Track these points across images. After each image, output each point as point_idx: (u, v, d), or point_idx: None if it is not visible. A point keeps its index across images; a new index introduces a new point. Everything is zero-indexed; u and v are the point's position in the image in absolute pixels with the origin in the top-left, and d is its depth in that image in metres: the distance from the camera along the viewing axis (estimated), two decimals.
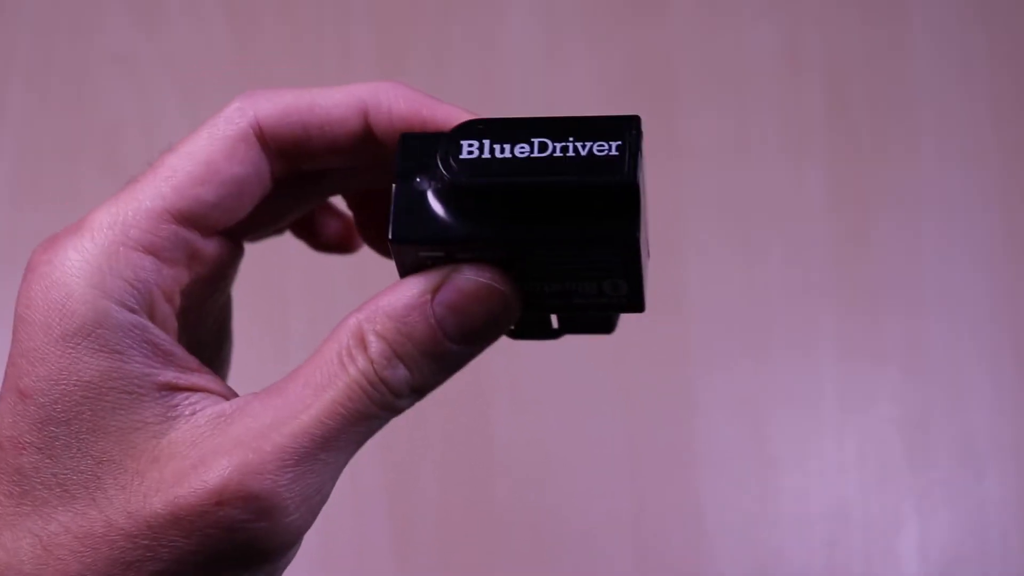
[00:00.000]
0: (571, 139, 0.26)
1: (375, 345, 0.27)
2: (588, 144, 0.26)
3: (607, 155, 0.26)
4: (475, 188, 0.26)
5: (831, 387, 0.67)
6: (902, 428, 0.66)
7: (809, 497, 0.65)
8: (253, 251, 0.33)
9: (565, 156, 0.26)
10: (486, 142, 0.26)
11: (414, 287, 0.28)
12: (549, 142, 0.26)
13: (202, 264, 0.29)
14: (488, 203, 0.27)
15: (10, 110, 0.72)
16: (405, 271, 0.29)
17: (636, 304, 0.29)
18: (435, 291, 0.27)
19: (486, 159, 0.26)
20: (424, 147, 0.27)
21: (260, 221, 0.31)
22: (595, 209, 0.26)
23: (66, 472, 0.26)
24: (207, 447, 0.26)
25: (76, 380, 0.26)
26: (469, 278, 0.28)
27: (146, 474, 0.26)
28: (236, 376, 0.34)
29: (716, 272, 0.68)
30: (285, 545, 0.27)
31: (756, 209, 0.70)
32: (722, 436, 0.66)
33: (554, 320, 0.33)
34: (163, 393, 0.27)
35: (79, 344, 0.26)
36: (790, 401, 0.67)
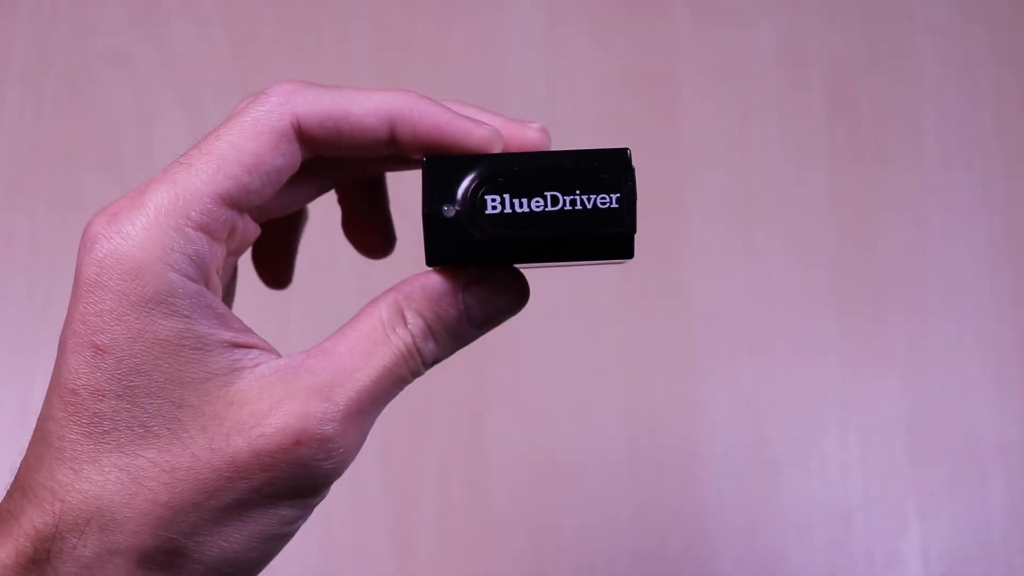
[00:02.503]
0: (578, 192, 0.32)
1: (413, 321, 0.33)
2: (592, 197, 0.32)
3: (609, 207, 0.32)
4: (503, 239, 0.32)
5: (833, 388, 0.67)
6: (905, 429, 0.66)
7: (811, 498, 0.65)
8: None
9: (574, 210, 0.32)
10: (506, 197, 0.32)
11: (447, 278, 0.33)
12: (560, 195, 0.32)
13: (236, 241, 0.33)
14: (512, 245, 0.33)
15: (8, 110, 0.72)
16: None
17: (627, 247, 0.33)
18: (465, 284, 0.33)
19: (508, 214, 0.32)
20: (447, 175, 0.32)
21: (280, 203, 0.36)
22: (600, 247, 0.33)
23: (147, 416, 0.30)
24: (278, 395, 0.31)
25: (153, 338, 0.30)
26: (493, 276, 0.34)
27: (224, 416, 0.30)
28: None
29: (718, 272, 0.68)
30: (333, 480, 0.32)
31: (758, 209, 0.70)
32: (723, 437, 0.66)
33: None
34: (226, 348, 0.31)
35: (154, 309, 0.30)
36: (792, 402, 0.67)
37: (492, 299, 0.33)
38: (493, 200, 0.32)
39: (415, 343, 0.32)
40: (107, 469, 0.30)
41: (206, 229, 0.31)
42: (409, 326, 0.32)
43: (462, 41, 0.72)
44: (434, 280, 0.33)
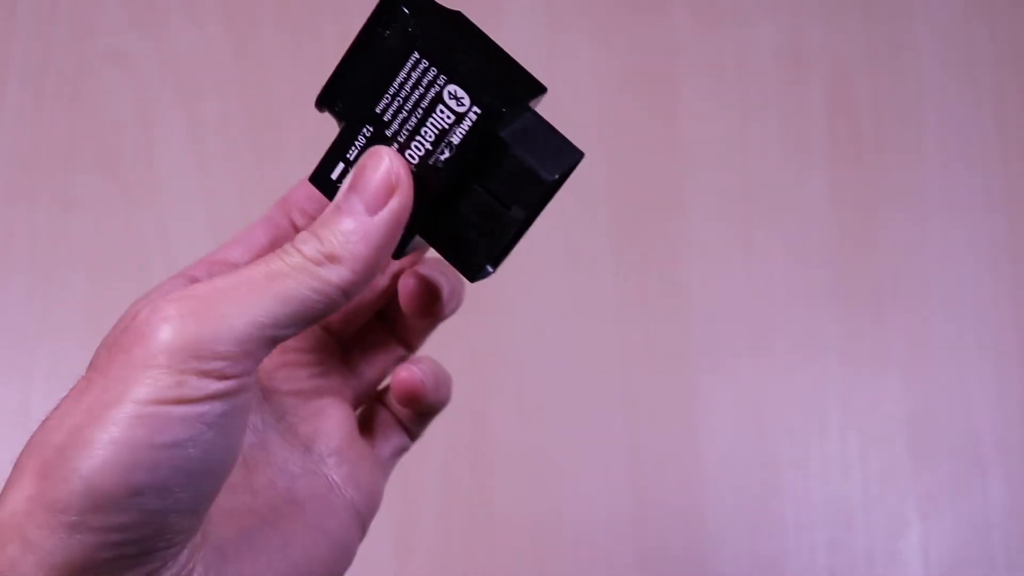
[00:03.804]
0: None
1: (300, 234, 0.32)
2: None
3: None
4: (325, 91, 0.33)
5: (834, 388, 0.67)
6: (905, 429, 0.66)
7: (811, 498, 0.65)
8: None
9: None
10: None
11: (336, 197, 0.32)
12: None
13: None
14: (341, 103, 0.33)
15: (7, 110, 0.72)
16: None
17: (487, 105, 0.32)
18: (346, 185, 0.32)
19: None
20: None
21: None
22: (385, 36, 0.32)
23: None
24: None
25: None
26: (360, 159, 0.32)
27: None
28: None
29: (718, 272, 0.68)
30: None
31: (758, 209, 0.69)
32: (724, 437, 0.66)
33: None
34: None
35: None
36: (792, 402, 0.67)
37: (359, 170, 0.32)
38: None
39: (300, 251, 0.31)
40: None
41: None
42: (296, 239, 0.31)
43: None
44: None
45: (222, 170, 0.70)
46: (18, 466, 0.29)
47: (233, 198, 0.70)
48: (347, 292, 0.31)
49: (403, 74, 0.32)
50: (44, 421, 0.29)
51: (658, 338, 0.67)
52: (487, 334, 0.67)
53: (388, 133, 0.32)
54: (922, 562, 0.64)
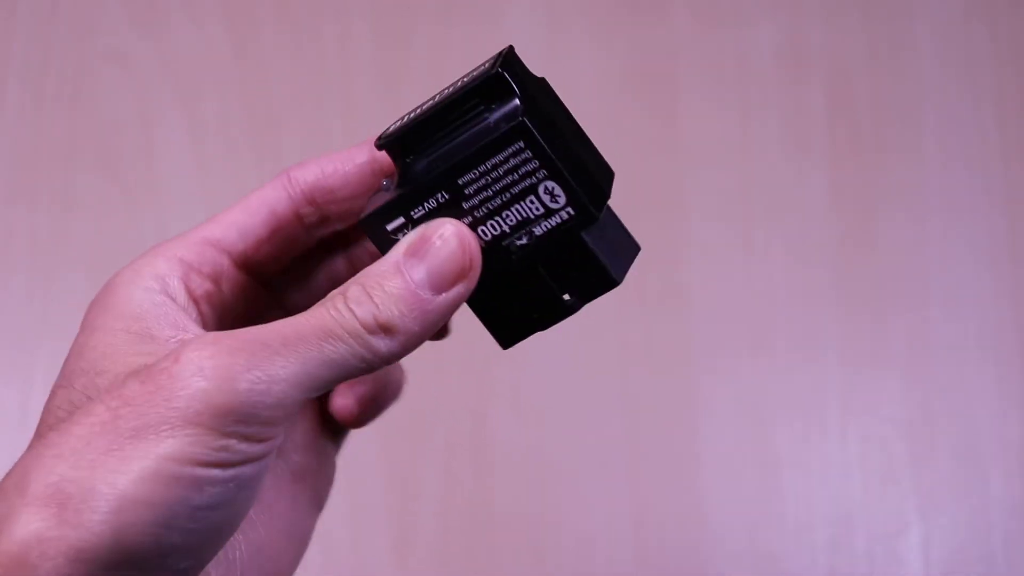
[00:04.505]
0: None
1: (352, 289, 0.29)
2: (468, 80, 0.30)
3: (482, 70, 0.30)
4: (397, 137, 0.31)
5: (834, 388, 0.67)
6: (905, 430, 0.66)
7: (812, 499, 0.65)
8: None
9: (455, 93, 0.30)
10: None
11: (390, 252, 0.30)
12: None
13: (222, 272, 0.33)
14: (412, 154, 0.31)
15: (7, 110, 0.72)
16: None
17: (582, 208, 0.30)
18: (406, 249, 0.30)
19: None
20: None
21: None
22: (485, 110, 0.30)
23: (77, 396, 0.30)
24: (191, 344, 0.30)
25: (104, 328, 0.32)
26: (430, 224, 0.30)
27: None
28: None
29: (718, 272, 0.68)
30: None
31: (758, 209, 0.69)
32: (724, 438, 0.66)
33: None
34: (168, 340, 0.30)
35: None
36: (793, 403, 0.67)
37: (427, 244, 0.30)
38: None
39: (346, 303, 0.29)
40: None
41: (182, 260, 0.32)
42: (349, 296, 0.29)
43: (462, 41, 0.72)
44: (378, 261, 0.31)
45: (222, 170, 0.70)
46: (16, 485, 0.27)
47: (233, 198, 0.69)
48: (389, 362, 0.29)
49: (499, 157, 0.30)
50: (47, 438, 0.27)
51: (658, 338, 0.67)
52: (487, 333, 0.67)
53: (465, 206, 0.30)
54: (922, 562, 0.64)
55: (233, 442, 0.27)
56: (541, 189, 0.30)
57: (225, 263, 0.33)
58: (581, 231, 0.30)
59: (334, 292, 0.30)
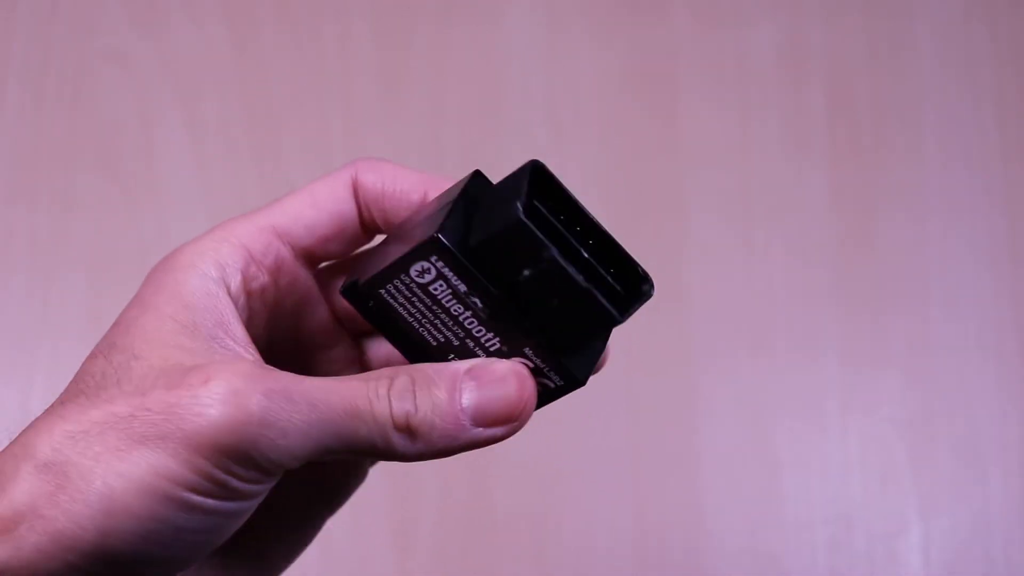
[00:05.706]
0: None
1: (401, 379, 0.29)
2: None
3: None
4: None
5: (834, 388, 0.67)
6: (905, 430, 0.66)
7: (812, 499, 0.65)
8: None
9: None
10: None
11: (456, 363, 0.30)
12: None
13: (284, 275, 0.33)
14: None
15: (7, 110, 0.72)
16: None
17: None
18: (470, 369, 0.30)
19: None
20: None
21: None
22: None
23: (112, 369, 0.29)
24: (224, 369, 0.29)
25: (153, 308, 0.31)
26: (504, 361, 0.30)
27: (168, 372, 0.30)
28: None
29: (718, 272, 0.68)
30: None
31: (758, 209, 0.69)
32: (724, 437, 0.66)
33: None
34: (210, 339, 0.30)
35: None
36: (793, 403, 0.67)
37: (489, 382, 0.29)
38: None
39: (387, 393, 0.29)
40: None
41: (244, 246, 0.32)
42: (395, 385, 0.29)
43: (462, 41, 0.72)
44: (442, 364, 0.30)
45: (222, 170, 0.70)
46: (25, 446, 0.27)
47: (233, 198, 0.70)
48: (393, 460, 0.29)
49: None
50: (66, 408, 0.28)
51: (658, 338, 0.67)
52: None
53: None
54: (922, 562, 0.64)
55: (228, 479, 0.27)
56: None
57: (287, 256, 0.33)
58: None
59: (383, 371, 0.29)
